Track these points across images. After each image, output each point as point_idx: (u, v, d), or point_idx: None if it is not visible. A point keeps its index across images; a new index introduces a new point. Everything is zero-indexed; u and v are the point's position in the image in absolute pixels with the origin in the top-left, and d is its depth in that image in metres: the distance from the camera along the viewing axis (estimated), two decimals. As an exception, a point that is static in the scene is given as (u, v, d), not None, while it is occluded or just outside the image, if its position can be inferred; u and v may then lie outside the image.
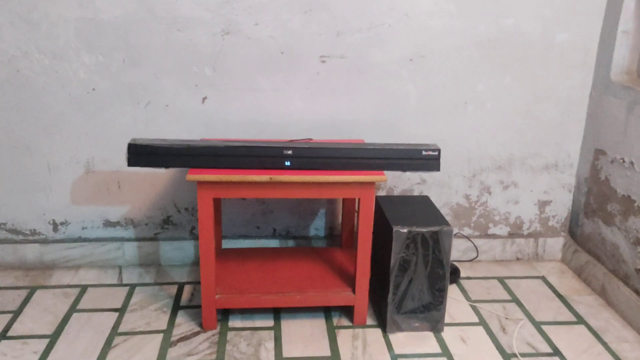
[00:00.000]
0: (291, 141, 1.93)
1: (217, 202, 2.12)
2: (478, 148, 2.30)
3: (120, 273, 2.28)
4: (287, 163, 1.79)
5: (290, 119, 2.20)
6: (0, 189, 2.19)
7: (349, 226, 2.21)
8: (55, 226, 2.26)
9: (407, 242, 1.82)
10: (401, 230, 1.81)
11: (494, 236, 2.44)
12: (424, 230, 1.82)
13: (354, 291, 1.93)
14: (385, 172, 1.82)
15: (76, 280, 2.22)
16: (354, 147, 1.81)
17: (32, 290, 2.13)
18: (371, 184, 1.80)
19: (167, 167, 1.77)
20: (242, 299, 1.91)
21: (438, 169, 1.84)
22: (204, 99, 2.15)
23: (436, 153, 1.83)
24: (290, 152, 1.79)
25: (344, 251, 2.24)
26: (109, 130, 2.15)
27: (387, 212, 1.93)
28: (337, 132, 2.23)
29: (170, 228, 2.31)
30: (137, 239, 2.31)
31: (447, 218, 2.38)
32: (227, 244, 2.33)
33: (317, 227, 2.37)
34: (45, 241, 2.27)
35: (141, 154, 1.76)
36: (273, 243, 2.36)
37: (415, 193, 2.34)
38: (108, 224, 2.28)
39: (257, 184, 1.76)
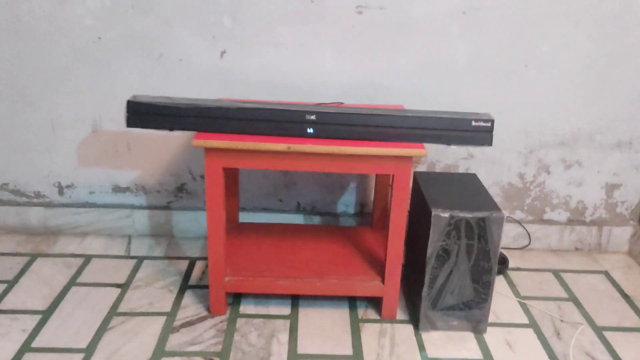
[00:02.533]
0: (317, 105, 1.65)
1: (233, 172, 1.88)
2: (538, 120, 1.97)
3: (129, 243, 2.08)
4: (310, 130, 1.52)
5: (318, 80, 1.92)
6: (1, 146, 2.00)
7: (383, 203, 1.94)
8: (60, 189, 2.07)
9: (448, 229, 1.54)
10: (442, 215, 1.53)
11: (550, 222, 2.12)
12: (469, 215, 1.53)
13: (383, 281, 1.67)
14: (426, 145, 1.53)
15: (81, 249, 2.03)
16: (389, 113, 1.52)
17: (32, 258, 1.96)
18: (408, 158, 1.51)
19: (171, 129, 1.53)
20: (254, 283, 1.67)
21: (490, 143, 1.53)
22: (223, 53, 1.89)
23: (489, 124, 1.52)
24: (313, 117, 1.52)
25: (375, 232, 1.98)
26: (117, 85, 1.92)
27: (425, 192, 1.64)
28: (372, 96, 1.93)
29: (184, 197, 2.09)
30: (149, 207, 2.11)
31: (497, 199, 2.07)
32: (244, 217, 2.10)
33: (347, 202, 2.10)
34: (50, 205, 2.09)
35: (142, 114, 1.52)
36: (297, 219, 2.11)
37: (461, 170, 2.04)
38: (117, 189, 2.08)
39: (273, 153, 1.50)
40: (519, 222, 2.11)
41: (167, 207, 2.11)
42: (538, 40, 1.87)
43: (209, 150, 1.50)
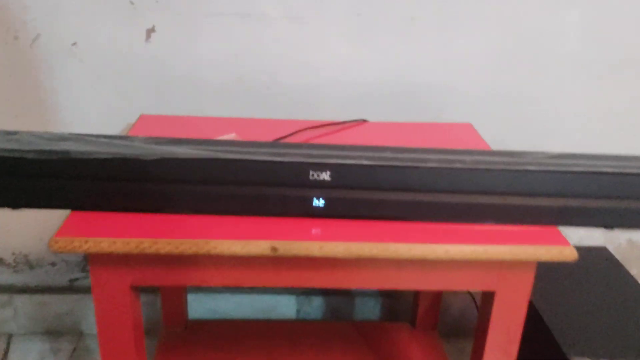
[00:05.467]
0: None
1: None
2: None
3: (6, 348, 1.25)
4: (318, 202, 0.71)
5: (320, 78, 1.09)
6: None
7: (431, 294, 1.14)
8: None
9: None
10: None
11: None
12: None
13: None
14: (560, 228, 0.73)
15: None
16: (489, 164, 0.71)
17: None
18: (529, 265, 0.71)
19: (14, 207, 0.70)
20: None
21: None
22: (150, 32, 1.05)
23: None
24: (326, 173, 0.70)
25: (420, 335, 1.18)
26: (-42, 92, 1.07)
27: (545, 312, 0.84)
28: (414, 107, 1.11)
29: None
30: (38, 290, 1.28)
31: None
32: (199, 305, 1.28)
33: (366, 276, 1.29)
34: None
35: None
36: (287, 305, 1.30)
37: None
38: (-15, 260, 1.24)
39: (241, 261, 0.69)
40: None
41: (69, 289, 1.28)
42: None
43: (96, 258, 0.68)
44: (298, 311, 1.30)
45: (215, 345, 1.13)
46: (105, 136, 0.72)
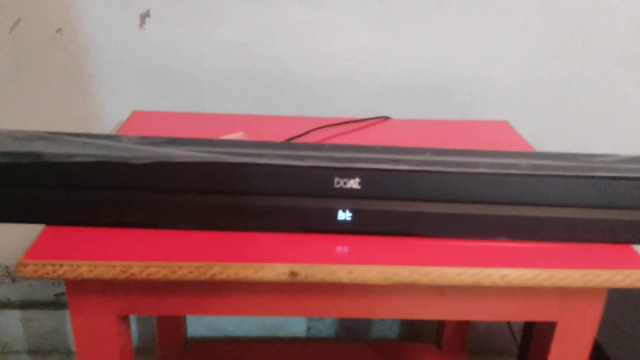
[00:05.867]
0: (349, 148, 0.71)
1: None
2: None
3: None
4: (345, 215, 0.58)
5: (337, 70, 0.97)
6: None
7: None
8: None
9: None
10: None
11: None
12: None
13: None
14: None
15: None
16: (550, 167, 0.58)
17: None
18: (598, 292, 0.59)
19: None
20: None
21: None
22: (144, 17, 0.92)
23: None
24: (354, 181, 0.57)
25: (446, 358, 1.05)
26: None
27: (612, 353, 0.72)
28: (442, 103, 0.99)
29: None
30: (22, 306, 1.15)
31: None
32: (199, 322, 1.15)
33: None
34: None
35: None
36: (295, 321, 1.18)
37: None
38: (-37, 272, 1.12)
39: (250, 288, 0.57)
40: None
41: (55, 304, 1.15)
42: None
43: (74, 284, 0.56)
44: (309, 329, 1.18)
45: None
46: (86, 135, 0.60)
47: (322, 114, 0.95)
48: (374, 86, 0.98)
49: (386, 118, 0.94)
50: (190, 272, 0.53)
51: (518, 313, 0.61)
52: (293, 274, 0.54)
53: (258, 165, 0.57)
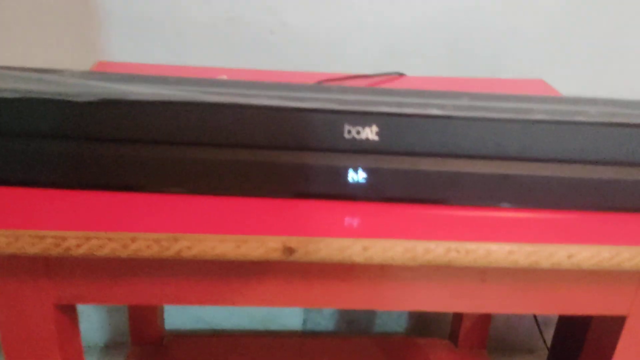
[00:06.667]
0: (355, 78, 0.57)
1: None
2: None
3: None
4: (357, 176, 0.44)
5: (341, 21, 0.82)
6: None
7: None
8: None
9: None
10: None
11: None
12: None
13: None
14: None
15: None
16: (625, 115, 0.44)
17: None
18: (695, 276, 0.45)
19: None
20: None
21: None
22: (112, -49, 0.77)
23: None
24: (370, 129, 0.43)
25: (464, 356, 0.92)
26: None
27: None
28: (465, 59, 0.85)
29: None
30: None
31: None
32: (180, 313, 1.02)
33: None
34: None
35: None
36: (290, 312, 1.04)
37: None
38: None
39: (231, 269, 0.42)
40: None
41: None
42: None
43: (-10, 260, 0.41)
44: (305, 321, 1.04)
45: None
46: (17, 68, 0.45)
47: (323, 72, 0.81)
48: (386, 39, 0.83)
49: (400, 75, 0.80)
50: (149, 247, 0.39)
51: (583, 305, 0.47)
52: (288, 250, 0.40)
53: (241, 106, 0.42)
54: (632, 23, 0.83)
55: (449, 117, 0.43)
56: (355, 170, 0.45)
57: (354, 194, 0.45)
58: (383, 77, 0.78)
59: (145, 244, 0.39)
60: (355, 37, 0.83)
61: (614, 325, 0.49)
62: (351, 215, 0.44)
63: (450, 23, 0.82)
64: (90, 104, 0.41)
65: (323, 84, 0.52)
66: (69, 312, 0.47)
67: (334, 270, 0.44)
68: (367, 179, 0.45)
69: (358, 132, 0.44)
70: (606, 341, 0.51)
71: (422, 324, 1.04)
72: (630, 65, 0.85)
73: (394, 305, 0.46)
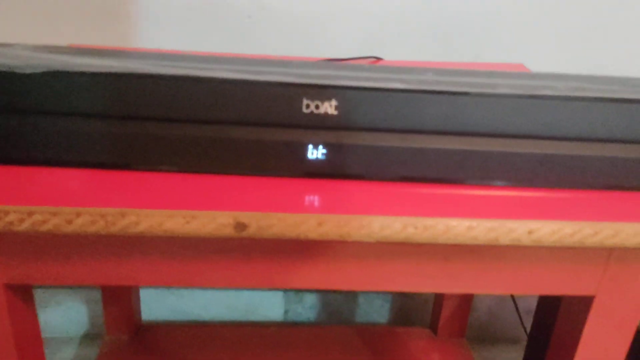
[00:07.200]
0: (326, 63, 0.55)
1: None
2: None
3: None
4: (316, 152, 0.43)
5: (320, 4, 0.81)
6: None
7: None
8: None
9: None
10: None
11: None
12: None
13: None
14: None
15: None
16: (592, 90, 0.43)
17: None
18: (662, 254, 0.44)
19: None
20: None
21: None
22: None
23: None
24: (329, 104, 0.42)
25: (443, 344, 0.91)
26: None
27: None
28: (444, 44, 0.83)
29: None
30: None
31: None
32: (157, 303, 1.00)
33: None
34: None
35: None
36: (270, 302, 1.03)
37: None
38: None
39: (182, 247, 0.41)
40: None
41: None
42: None
43: None
44: (286, 311, 1.03)
45: (176, 356, 0.86)
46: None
47: (300, 56, 0.80)
48: (365, 25, 0.82)
49: (378, 59, 0.78)
50: (94, 222, 0.38)
51: (547, 285, 0.46)
52: (240, 225, 0.38)
53: (193, 79, 0.41)
54: (612, 7, 0.82)
55: (410, 91, 0.42)
56: (315, 146, 0.43)
57: (312, 170, 0.44)
58: (359, 61, 0.76)
59: (90, 219, 0.38)
60: (335, 22, 0.81)
61: (582, 306, 0.48)
62: (307, 191, 0.43)
63: (432, 9, 0.81)
64: (34, 75, 0.40)
65: (285, 59, 0.50)
66: (21, 293, 0.45)
67: (289, 248, 0.43)
68: (327, 155, 0.43)
69: (317, 107, 0.42)
70: (575, 322, 0.49)
71: (404, 314, 1.03)
72: (612, 50, 0.84)
73: (355, 285, 0.45)
